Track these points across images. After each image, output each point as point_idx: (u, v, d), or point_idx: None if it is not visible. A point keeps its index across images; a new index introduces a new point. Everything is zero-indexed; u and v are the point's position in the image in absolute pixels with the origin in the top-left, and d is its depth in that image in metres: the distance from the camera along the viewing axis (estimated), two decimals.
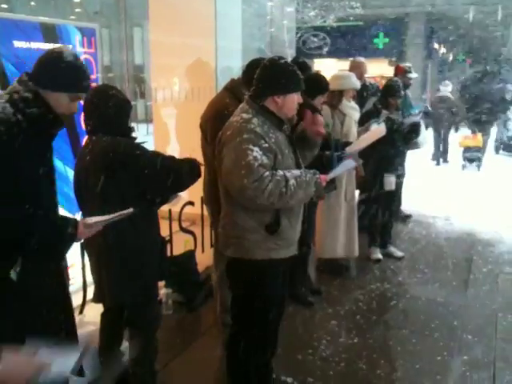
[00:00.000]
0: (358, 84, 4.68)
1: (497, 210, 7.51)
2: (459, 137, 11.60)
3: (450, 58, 26.44)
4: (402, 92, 5.26)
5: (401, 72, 6.11)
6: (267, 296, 2.72)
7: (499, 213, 7.38)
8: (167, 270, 2.91)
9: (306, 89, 2.84)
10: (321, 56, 20.02)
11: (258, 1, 11.52)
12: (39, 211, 2.00)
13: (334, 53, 20.16)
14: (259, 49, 12.37)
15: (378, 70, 18.13)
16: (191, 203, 4.31)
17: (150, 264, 2.72)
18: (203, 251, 4.72)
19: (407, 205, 7.06)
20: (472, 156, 11.03)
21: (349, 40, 20.38)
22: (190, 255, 4.43)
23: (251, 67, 3.34)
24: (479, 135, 11.20)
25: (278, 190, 2.44)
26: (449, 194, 8.44)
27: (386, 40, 21.70)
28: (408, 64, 6.46)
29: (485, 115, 11.37)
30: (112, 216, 2.08)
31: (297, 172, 2.56)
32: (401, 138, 5.09)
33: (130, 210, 2.15)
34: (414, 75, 6.23)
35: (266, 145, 2.49)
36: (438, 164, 11.79)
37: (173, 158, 2.71)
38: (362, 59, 6.03)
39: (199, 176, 2.77)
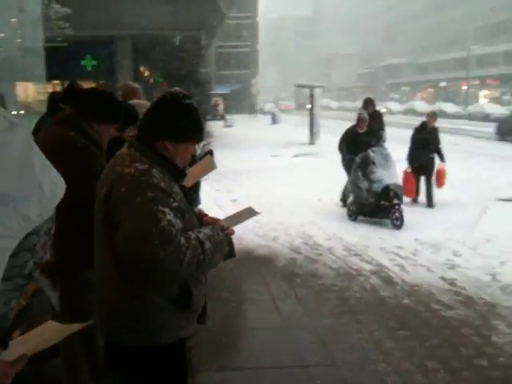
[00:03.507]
0: None
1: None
2: None
3: (151, 80, 27.47)
4: None
5: None
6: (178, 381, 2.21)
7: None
8: None
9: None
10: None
11: None
12: None
13: (38, 75, 18.72)
14: None
15: None
16: None
17: None
18: None
19: None
20: None
21: (55, 62, 19.22)
22: None
23: (88, 97, 2.94)
24: None
25: (195, 258, 1.96)
26: None
27: (94, 62, 21.26)
28: (177, 88, 6.28)
29: None
30: None
31: (207, 231, 2.08)
32: None
33: None
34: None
35: (176, 203, 1.99)
36: None
37: None
38: (136, 85, 5.60)
39: None
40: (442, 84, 72.00)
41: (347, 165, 9.13)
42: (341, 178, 12.58)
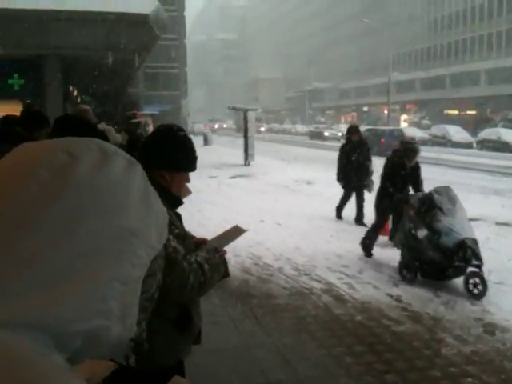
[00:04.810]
0: (119, 138, 4.36)
1: None
2: None
3: (79, 99, 26.97)
4: None
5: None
6: None
7: None
8: None
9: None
10: None
11: None
12: None
13: None
14: None
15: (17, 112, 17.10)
16: None
17: None
18: None
19: None
20: None
21: None
22: None
23: (62, 124, 2.98)
24: None
25: (197, 281, 2.10)
26: None
27: (22, 81, 20.63)
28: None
29: None
30: None
31: (204, 254, 2.22)
32: None
33: None
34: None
35: (177, 230, 2.11)
36: None
37: None
38: (86, 106, 5.59)
39: None
40: (365, 108, 75.22)
41: (389, 205, 7.36)
42: (281, 197, 12.93)
